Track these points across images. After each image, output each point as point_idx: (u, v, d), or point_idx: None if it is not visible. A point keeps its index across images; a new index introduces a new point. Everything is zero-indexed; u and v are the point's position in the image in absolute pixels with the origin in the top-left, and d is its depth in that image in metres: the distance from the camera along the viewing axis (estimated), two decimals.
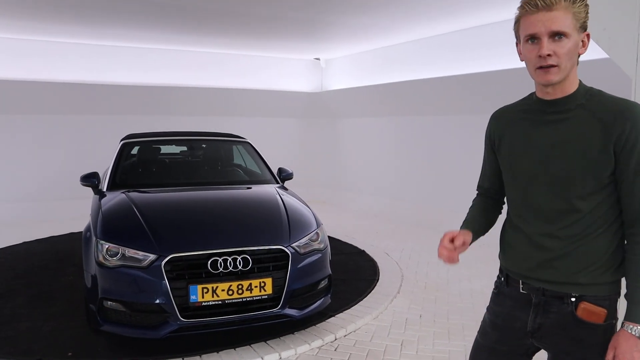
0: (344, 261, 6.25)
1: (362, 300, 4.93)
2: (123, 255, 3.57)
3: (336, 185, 11.24)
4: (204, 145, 5.95)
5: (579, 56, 1.68)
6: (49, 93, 8.68)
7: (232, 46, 9.46)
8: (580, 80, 1.73)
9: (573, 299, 1.73)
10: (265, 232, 3.93)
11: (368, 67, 10.04)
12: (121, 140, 5.41)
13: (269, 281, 3.66)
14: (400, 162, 9.50)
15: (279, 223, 4.05)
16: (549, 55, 1.61)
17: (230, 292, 3.54)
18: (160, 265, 3.47)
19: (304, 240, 3.98)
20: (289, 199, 4.60)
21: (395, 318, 4.60)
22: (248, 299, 3.61)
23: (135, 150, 5.64)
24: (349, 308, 4.70)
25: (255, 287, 3.61)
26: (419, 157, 9.07)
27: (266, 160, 5.63)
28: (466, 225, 2.04)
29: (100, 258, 3.60)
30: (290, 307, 3.81)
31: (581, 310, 1.71)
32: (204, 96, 9.95)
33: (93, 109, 9.19)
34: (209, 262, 3.54)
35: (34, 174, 8.85)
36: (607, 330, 1.72)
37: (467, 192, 8.26)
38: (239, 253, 3.63)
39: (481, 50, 7.47)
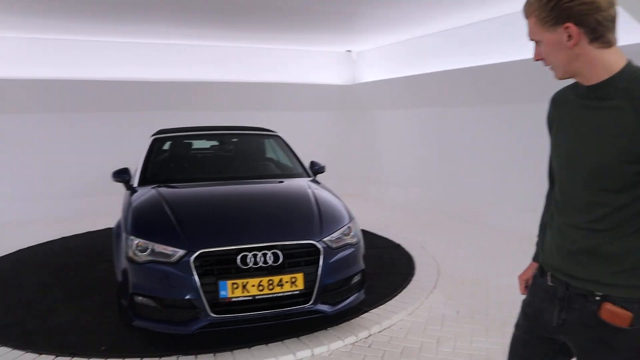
0: (379, 255, 6.12)
1: (397, 295, 4.80)
2: (152, 250, 3.54)
3: (370, 177, 11.10)
4: (234, 140, 5.91)
5: (577, 46, 1.54)
6: (84, 91, 8.82)
7: (264, 40, 9.41)
8: (629, 61, 1.57)
9: (597, 298, 1.61)
10: (296, 227, 3.85)
11: (401, 58, 9.85)
12: (152, 136, 5.41)
13: (300, 276, 3.58)
14: (435, 153, 9.30)
15: (310, 217, 3.96)
16: (539, 59, 1.66)
17: (261, 288, 3.47)
18: (189, 260, 3.42)
19: (335, 235, 3.88)
20: (320, 192, 4.51)
21: (431, 314, 4.47)
22: (279, 295, 3.53)
23: (166, 146, 5.64)
24: (384, 303, 4.58)
25: (286, 282, 3.54)
26: (454, 148, 8.85)
27: (297, 154, 5.54)
28: (538, 252, 1.99)
29: (130, 253, 3.58)
30: (322, 303, 3.72)
31: (604, 311, 1.58)
32: (235, 91, 9.94)
33: (128, 106, 9.29)
34: (239, 257, 3.48)
35: (73, 171, 9.00)
36: (638, 337, 1.57)
37: (503, 183, 8.06)
38: (269, 248, 3.56)
39: (518, 38, 7.20)
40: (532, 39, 1.65)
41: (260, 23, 7.72)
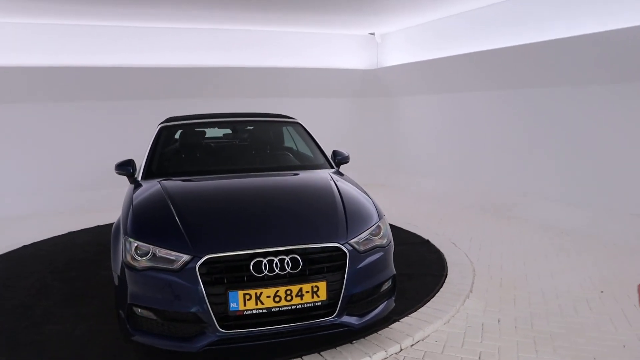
0: (407, 252, 5.61)
1: (429, 300, 4.30)
2: (154, 255, 3.07)
3: (394, 167, 10.56)
4: (249, 128, 5.41)
5: None
6: (91, 79, 8.41)
7: (281, 23, 8.85)
8: None
9: None
10: (318, 227, 3.33)
11: (427, 40, 9.24)
12: (159, 125, 4.95)
13: (322, 285, 3.08)
14: (464, 141, 8.73)
15: (334, 216, 3.44)
16: None
17: (277, 299, 2.99)
18: (195, 267, 2.95)
19: (363, 236, 3.37)
20: (345, 186, 3.99)
21: (469, 323, 3.95)
22: (298, 307, 3.04)
23: (175, 135, 5.19)
24: (415, 311, 4.08)
25: (307, 292, 3.04)
26: (485, 135, 8.27)
27: (319, 143, 5.03)
28: None
29: (129, 258, 3.12)
30: (348, 315, 3.23)
31: None
32: (251, 77, 9.44)
33: (140, 94, 8.86)
34: (252, 263, 2.99)
35: (83, 162, 8.63)
36: None
37: (538, 173, 7.52)
38: (287, 252, 3.06)
39: (551, 17, 6.62)
40: None
41: (277, 4, 7.18)
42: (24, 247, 6.15)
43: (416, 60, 9.30)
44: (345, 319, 3.21)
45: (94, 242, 6.31)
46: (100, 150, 8.59)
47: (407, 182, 10.00)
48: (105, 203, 8.12)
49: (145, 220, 3.38)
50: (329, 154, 4.91)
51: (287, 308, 3.02)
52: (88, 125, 8.67)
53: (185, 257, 2.99)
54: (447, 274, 4.95)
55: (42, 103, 8.33)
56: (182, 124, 5.00)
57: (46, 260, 5.62)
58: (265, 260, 3.00)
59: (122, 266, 3.17)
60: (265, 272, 3.00)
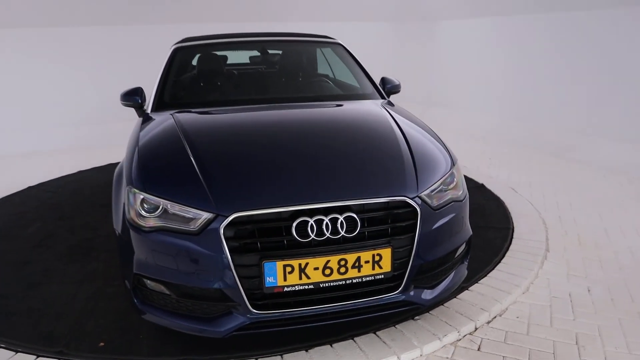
0: None
1: (499, 262, 3.56)
2: (165, 211, 2.34)
3: (433, 100, 9.61)
4: (281, 50, 4.54)
5: None
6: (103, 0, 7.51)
7: None
8: None
9: None
10: (380, 176, 2.52)
11: None
12: (173, 45, 4.12)
13: (386, 253, 2.32)
14: (514, 71, 7.73)
15: (399, 161, 2.63)
16: None
17: (328, 272, 2.26)
18: (219, 229, 2.20)
19: (436, 187, 2.57)
20: (406, 122, 3.17)
21: (553, 293, 3.22)
22: (355, 281, 2.32)
23: (194, 62, 4.38)
24: (485, 276, 3.36)
25: (366, 262, 2.30)
26: (539, 65, 7.25)
27: (365, 68, 4.18)
28: None
29: (132, 214, 2.40)
30: (415, 288, 2.50)
31: None
32: None
33: (155, 17, 7.97)
34: (295, 224, 2.24)
35: (95, 93, 7.87)
36: None
37: (603, 108, 6.41)
38: (340, 210, 2.29)
39: None
40: None
41: None
42: (29, 188, 5.52)
43: None
44: (413, 294, 2.48)
45: (106, 182, 5.59)
46: (114, 80, 7.79)
47: (446, 116, 9.06)
48: (119, 138, 7.38)
49: (154, 166, 2.61)
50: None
51: (341, 283, 2.30)
52: (99, 53, 7.85)
53: (205, 216, 2.25)
54: (513, 227, 4.19)
55: (46, 28, 7.48)
56: (201, 44, 4.16)
57: (52, 203, 4.99)
58: (312, 221, 2.24)
59: (124, 224, 2.45)
60: (313, 235, 2.24)
